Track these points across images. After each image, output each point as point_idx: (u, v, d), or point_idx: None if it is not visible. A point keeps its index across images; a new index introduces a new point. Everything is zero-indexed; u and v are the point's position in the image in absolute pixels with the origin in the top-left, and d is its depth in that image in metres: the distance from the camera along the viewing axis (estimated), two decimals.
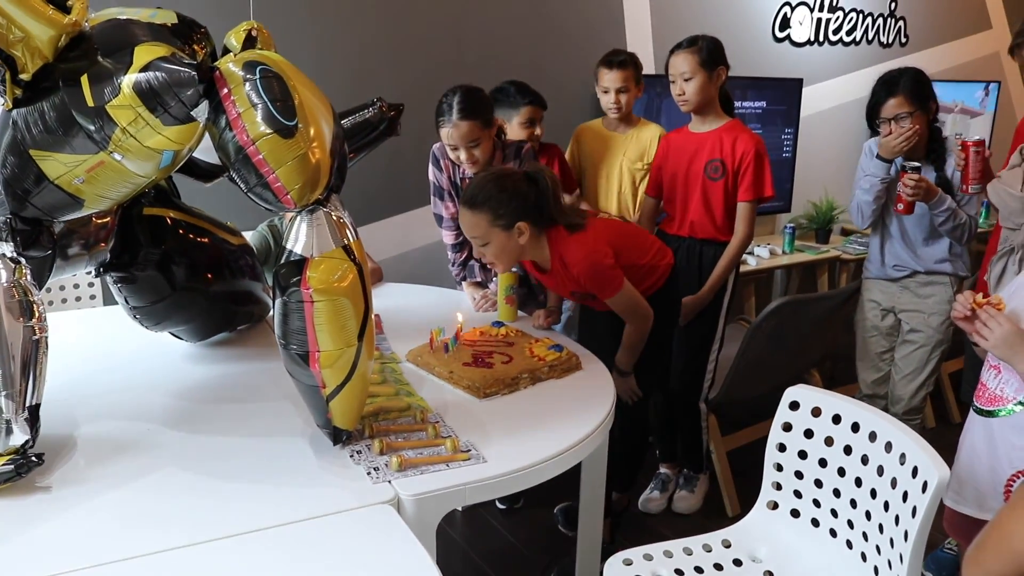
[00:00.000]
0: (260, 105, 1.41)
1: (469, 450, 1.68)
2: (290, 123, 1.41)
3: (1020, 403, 1.82)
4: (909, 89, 2.66)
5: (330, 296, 1.48)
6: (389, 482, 1.55)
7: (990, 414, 1.89)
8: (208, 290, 2.12)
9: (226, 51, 1.75)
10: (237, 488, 1.53)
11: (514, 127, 2.90)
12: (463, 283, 2.77)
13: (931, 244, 2.79)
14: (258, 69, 1.44)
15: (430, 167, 2.74)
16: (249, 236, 2.60)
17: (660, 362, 2.64)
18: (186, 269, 2.06)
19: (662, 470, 3.09)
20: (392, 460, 1.59)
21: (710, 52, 2.71)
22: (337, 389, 1.56)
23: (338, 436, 1.65)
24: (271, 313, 2.32)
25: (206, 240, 2.13)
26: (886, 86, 2.70)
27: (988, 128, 5.11)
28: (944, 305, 2.80)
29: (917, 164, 2.61)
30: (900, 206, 2.66)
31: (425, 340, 2.18)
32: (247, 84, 1.43)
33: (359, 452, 1.66)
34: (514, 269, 2.53)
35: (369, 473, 1.58)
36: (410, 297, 2.76)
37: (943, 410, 3.83)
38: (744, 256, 3.60)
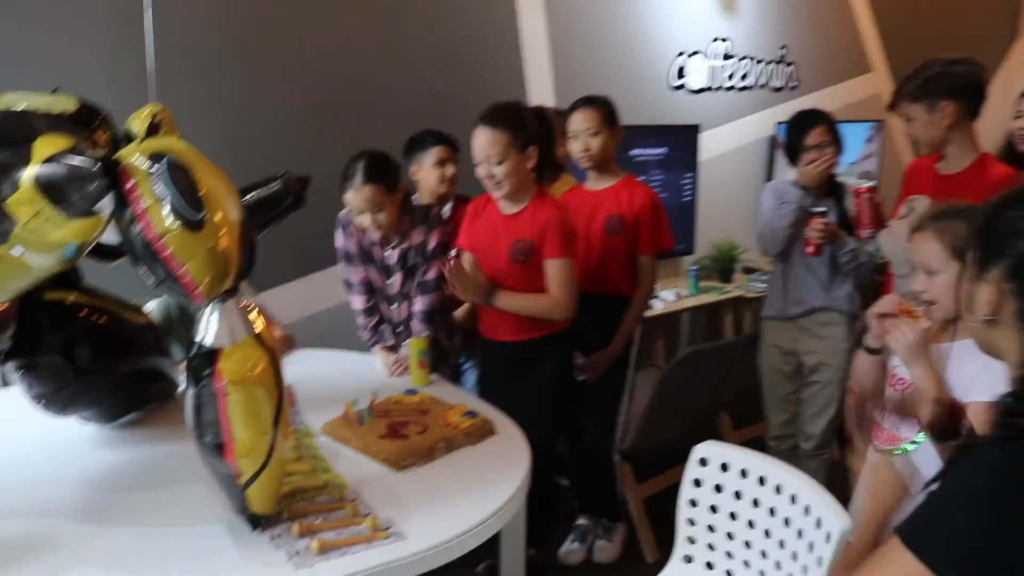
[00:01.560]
0: (166, 198, 1.41)
1: (389, 527, 1.68)
2: (197, 216, 1.41)
3: (914, 442, 1.92)
4: (828, 122, 2.88)
5: (244, 386, 1.47)
6: (311, 566, 1.54)
7: (889, 452, 1.98)
8: (114, 372, 2.08)
9: (127, 136, 1.74)
10: None
11: (426, 169, 2.95)
12: (374, 347, 2.77)
13: (834, 281, 2.92)
14: (164, 161, 1.44)
15: (337, 233, 2.74)
16: (151, 307, 2.56)
17: (560, 412, 2.68)
18: (90, 352, 2.02)
19: (580, 521, 3.12)
20: (312, 544, 1.58)
21: (610, 110, 2.81)
22: (253, 477, 1.55)
23: (256, 521, 1.64)
24: (180, 389, 2.30)
25: (109, 320, 2.09)
26: (807, 118, 2.90)
27: (876, 166, 5.38)
28: (842, 343, 2.93)
29: (824, 209, 2.76)
30: (809, 248, 2.83)
31: (339, 411, 2.18)
32: (153, 177, 1.43)
33: (279, 536, 1.64)
34: (425, 334, 2.56)
35: (291, 559, 1.56)
36: (322, 365, 2.74)
37: (845, 439, 3.98)
38: (650, 302, 3.69)
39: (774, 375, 3.10)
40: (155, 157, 1.46)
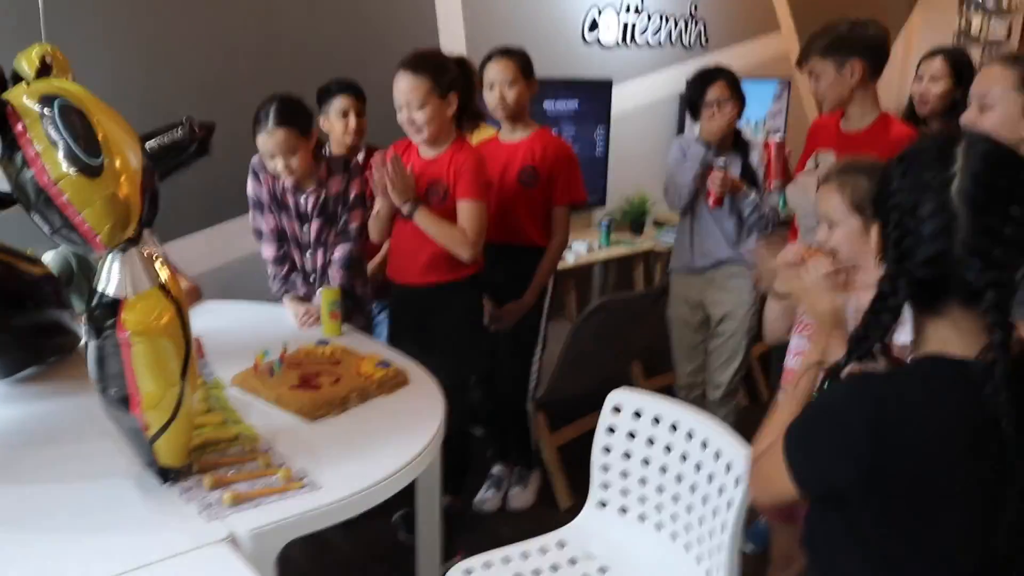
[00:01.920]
0: (61, 143, 1.34)
1: (303, 478, 1.66)
2: (95, 161, 1.35)
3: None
4: (728, 78, 2.90)
5: (148, 337, 1.43)
6: (223, 519, 1.52)
7: None
8: (11, 324, 1.99)
9: (16, 77, 1.65)
10: (61, 542, 1.45)
11: (332, 119, 2.96)
12: (285, 297, 2.71)
13: (739, 234, 2.98)
14: (56, 103, 1.37)
15: (249, 180, 2.67)
16: (49, 258, 2.46)
17: (470, 357, 2.70)
18: None
19: (495, 469, 3.16)
20: (224, 496, 1.56)
21: (526, 61, 2.80)
22: (161, 430, 1.52)
23: (165, 475, 1.60)
24: (83, 342, 2.22)
25: (3, 271, 2.00)
26: (707, 75, 2.93)
27: (783, 123, 5.50)
28: (747, 295, 3.01)
29: (723, 161, 2.81)
30: (710, 200, 2.86)
31: (249, 363, 2.13)
32: (45, 120, 1.36)
33: (189, 489, 1.61)
34: (336, 284, 2.53)
35: (201, 512, 1.53)
36: (231, 316, 2.69)
37: (753, 389, 4.11)
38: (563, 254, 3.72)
39: (682, 327, 3.16)
40: (46, 99, 1.38)
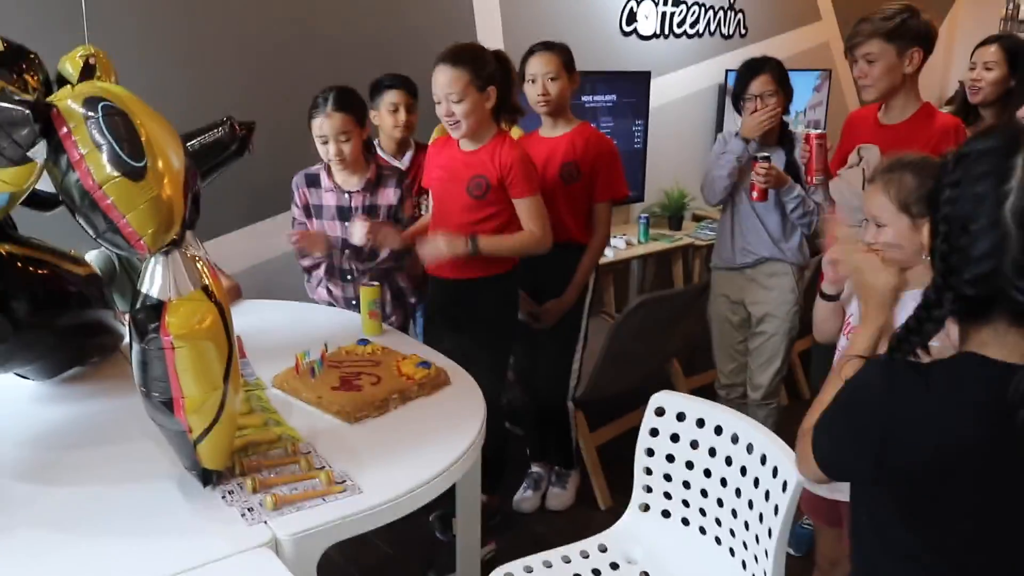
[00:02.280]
0: (105, 146, 1.33)
1: (344, 481, 1.66)
2: (138, 164, 1.34)
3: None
4: (775, 70, 2.84)
5: (192, 341, 1.42)
6: (265, 523, 1.51)
7: None
8: (55, 324, 2.00)
9: (60, 78, 1.65)
10: (102, 545, 1.45)
11: (382, 114, 3.01)
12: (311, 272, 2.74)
13: (783, 231, 2.92)
14: (100, 106, 1.36)
15: (292, 205, 2.78)
16: (92, 257, 2.47)
17: (506, 351, 2.71)
18: (28, 305, 1.92)
19: (534, 469, 3.14)
20: (266, 499, 1.55)
21: (569, 55, 2.77)
22: (204, 433, 1.51)
23: (208, 478, 1.60)
24: (125, 341, 2.23)
25: (48, 272, 2.00)
26: (753, 66, 2.86)
27: (823, 115, 5.41)
28: (789, 294, 2.95)
29: (767, 154, 2.75)
30: (754, 193, 2.81)
31: (289, 363, 2.13)
32: (89, 123, 1.35)
33: (231, 492, 1.61)
34: (375, 283, 2.52)
35: (244, 515, 1.53)
36: (271, 315, 2.69)
37: (794, 388, 4.05)
38: None
39: (723, 324, 3.11)
40: (91, 102, 1.38)
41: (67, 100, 1.38)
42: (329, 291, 2.80)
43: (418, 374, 2.08)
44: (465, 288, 2.58)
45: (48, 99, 1.41)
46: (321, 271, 2.78)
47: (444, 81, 2.41)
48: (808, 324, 3.25)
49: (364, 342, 2.29)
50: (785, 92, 2.85)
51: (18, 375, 2.05)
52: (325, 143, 2.57)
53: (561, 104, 2.79)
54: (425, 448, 1.82)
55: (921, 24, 2.48)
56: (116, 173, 1.33)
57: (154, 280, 1.44)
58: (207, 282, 1.47)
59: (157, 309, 1.43)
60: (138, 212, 1.34)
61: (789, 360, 3.11)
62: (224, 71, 3.14)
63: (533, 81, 2.77)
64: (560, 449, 3.09)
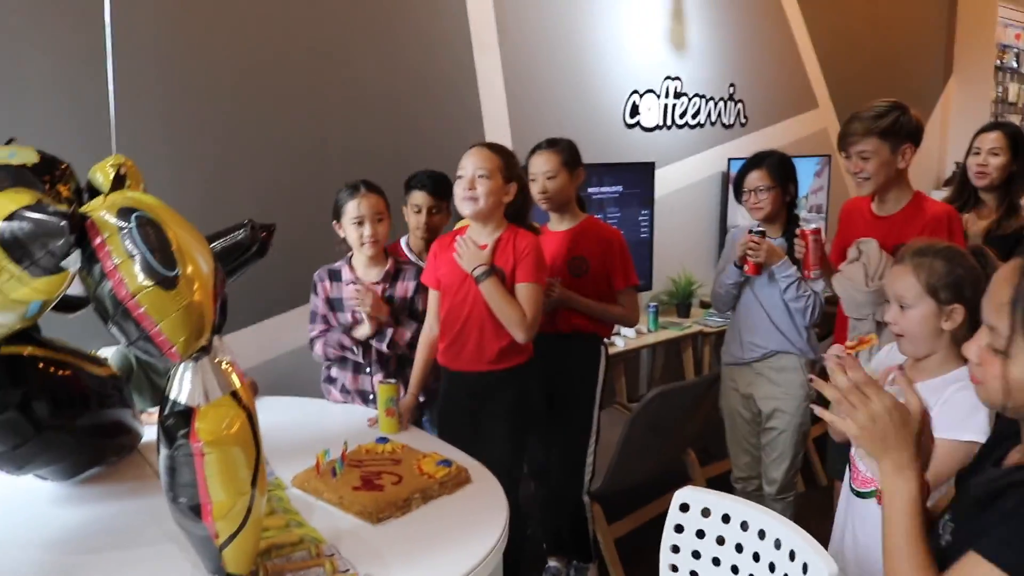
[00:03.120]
0: (138, 256, 1.36)
1: None
2: (171, 273, 1.37)
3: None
4: (773, 165, 2.89)
5: (221, 447, 1.42)
6: None
7: (868, 495, 1.99)
8: (75, 425, 2.00)
9: (91, 188, 1.69)
10: None
11: (409, 211, 3.05)
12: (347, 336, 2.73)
13: (789, 323, 2.93)
14: (133, 217, 1.40)
15: (312, 297, 2.80)
16: (109, 353, 2.49)
17: (522, 446, 2.67)
18: (49, 407, 1.93)
19: (551, 563, 3.09)
20: None
21: (571, 153, 2.83)
22: (231, 538, 1.50)
23: None
24: (143, 439, 2.23)
25: (69, 373, 2.01)
26: (753, 160, 2.92)
27: (825, 199, 5.49)
28: (798, 389, 2.94)
29: (762, 228, 2.80)
30: (746, 267, 2.85)
31: (308, 462, 2.12)
32: (123, 233, 1.38)
33: None
34: (393, 380, 2.52)
35: None
36: (286, 412, 2.68)
37: (810, 474, 4.01)
38: (612, 339, 3.71)
39: (735, 418, 3.10)
40: (124, 212, 1.41)
41: (101, 211, 1.41)
42: (343, 387, 2.80)
43: (439, 472, 2.07)
44: (481, 379, 2.58)
45: (81, 209, 1.44)
46: (335, 368, 2.79)
47: (476, 159, 2.48)
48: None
49: (383, 440, 2.28)
50: (783, 184, 2.89)
51: (37, 476, 2.04)
52: (360, 223, 2.63)
53: (563, 200, 2.85)
54: (450, 548, 1.80)
55: (912, 121, 2.57)
56: (149, 283, 1.35)
57: (183, 386, 1.45)
58: (236, 387, 1.48)
59: (186, 415, 1.43)
60: (170, 320, 1.36)
61: (802, 456, 3.08)
62: (243, 175, 3.20)
63: (534, 180, 2.83)
64: (577, 543, 3.05)
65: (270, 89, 3.27)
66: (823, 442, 3.94)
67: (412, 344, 2.71)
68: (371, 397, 2.76)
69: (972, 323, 1.92)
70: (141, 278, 1.35)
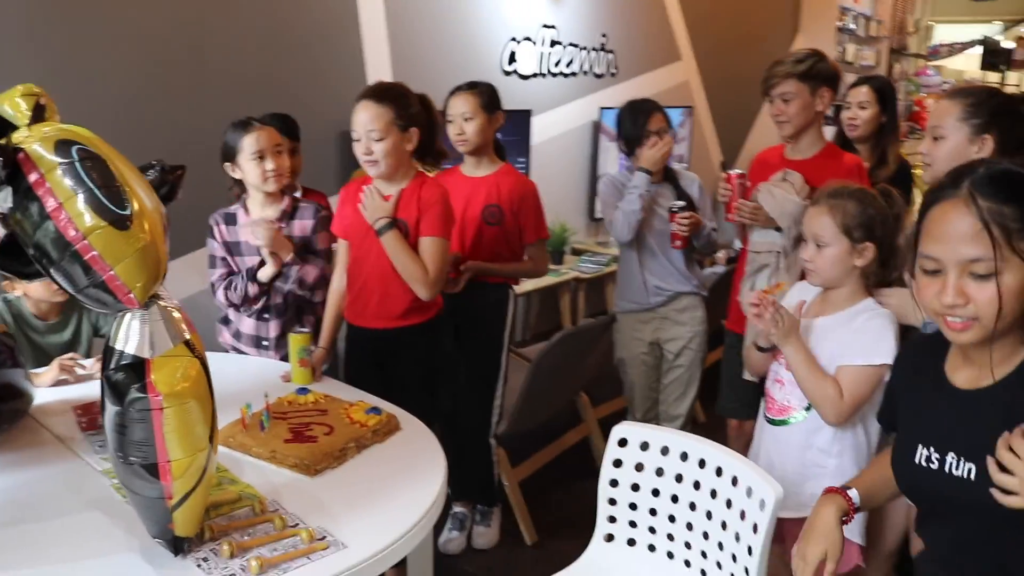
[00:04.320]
0: (84, 193, 1.24)
1: (324, 537, 1.58)
2: (124, 212, 1.25)
3: (806, 409, 2.04)
4: (663, 111, 2.98)
5: (180, 400, 1.33)
6: None
7: (782, 423, 2.09)
8: None
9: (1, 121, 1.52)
10: None
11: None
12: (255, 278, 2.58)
13: (689, 265, 3.04)
14: (74, 150, 1.27)
15: (208, 240, 2.65)
16: None
17: (432, 403, 2.61)
18: None
19: (457, 508, 3.09)
20: (251, 563, 1.46)
21: (490, 96, 2.79)
22: (184, 497, 1.41)
23: (180, 546, 1.49)
24: (33, 404, 2.06)
25: None
26: (645, 106, 2.98)
27: (687, 149, 5.66)
28: (700, 325, 3.06)
29: (683, 203, 2.86)
30: (677, 242, 2.92)
31: (230, 418, 2.02)
32: (62, 168, 1.25)
33: (206, 560, 1.50)
34: (306, 329, 2.43)
35: None
36: None
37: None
38: None
39: (639, 367, 3.14)
40: (62, 146, 1.28)
41: (34, 144, 1.27)
42: (237, 332, 2.68)
43: (371, 421, 2.02)
44: (388, 336, 2.51)
45: (10, 143, 1.30)
46: (231, 311, 2.66)
47: (366, 118, 2.34)
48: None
49: (304, 391, 2.20)
50: (672, 128, 2.99)
51: None
52: (261, 158, 2.48)
53: (480, 144, 2.80)
54: (396, 496, 1.77)
55: (828, 67, 2.68)
56: (101, 222, 1.23)
57: (129, 336, 1.34)
58: (188, 336, 1.38)
59: (137, 368, 1.32)
60: (127, 264, 1.25)
61: (702, 385, 3.19)
62: (119, 118, 2.97)
63: (451, 121, 2.77)
64: (483, 487, 3.06)
65: (146, 28, 3.05)
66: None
67: (315, 287, 2.61)
68: (264, 343, 2.67)
69: (881, 259, 2.04)
70: (90, 218, 1.23)
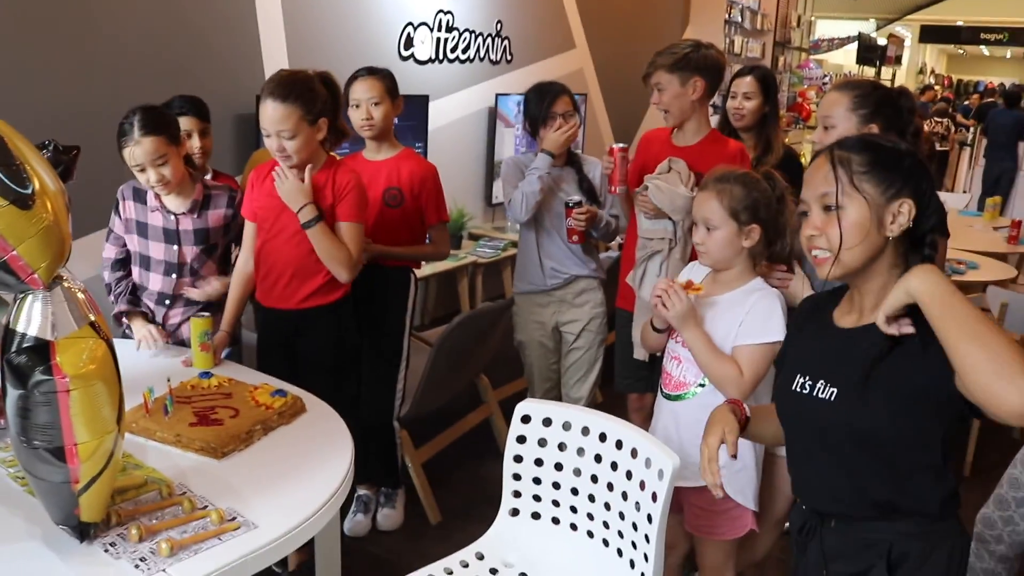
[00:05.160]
0: None
1: (235, 517, 1.59)
2: (26, 191, 1.23)
3: (700, 385, 2.14)
4: (569, 93, 3.00)
5: (87, 381, 1.31)
6: (164, 571, 1.42)
7: (678, 398, 2.19)
8: None
9: None
10: None
11: None
12: (130, 317, 2.54)
13: (587, 249, 3.09)
14: None
15: (112, 215, 2.60)
16: None
17: (337, 384, 2.62)
18: None
19: (361, 492, 3.10)
20: (160, 546, 1.46)
21: (392, 81, 2.79)
22: (91, 481, 1.39)
23: (86, 531, 1.47)
24: None
25: None
26: (552, 89, 2.98)
27: (582, 135, 5.77)
28: (599, 308, 3.12)
29: (579, 199, 2.91)
30: (574, 237, 2.96)
31: (133, 403, 1.98)
32: None
33: (113, 545, 1.49)
34: (207, 313, 2.41)
35: (137, 566, 1.43)
36: None
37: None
38: None
39: (537, 350, 3.18)
40: None
41: None
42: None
43: (276, 403, 2.03)
44: (299, 316, 2.52)
45: None
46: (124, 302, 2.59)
47: (275, 117, 2.32)
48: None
49: (207, 375, 2.18)
50: (578, 112, 3.04)
51: None
52: (143, 171, 2.39)
53: (385, 128, 2.80)
54: (304, 476, 1.78)
55: (702, 56, 2.76)
56: (3, 201, 1.21)
57: (32, 317, 1.32)
58: (92, 317, 1.37)
59: (41, 350, 1.30)
60: (30, 243, 1.23)
61: (603, 367, 3.23)
62: (7, 99, 2.86)
63: (357, 106, 2.76)
64: (387, 469, 3.08)
65: (30, 5, 2.93)
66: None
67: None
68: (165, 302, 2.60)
69: (767, 240, 2.16)
70: None
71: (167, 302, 2.57)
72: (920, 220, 1.42)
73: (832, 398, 1.46)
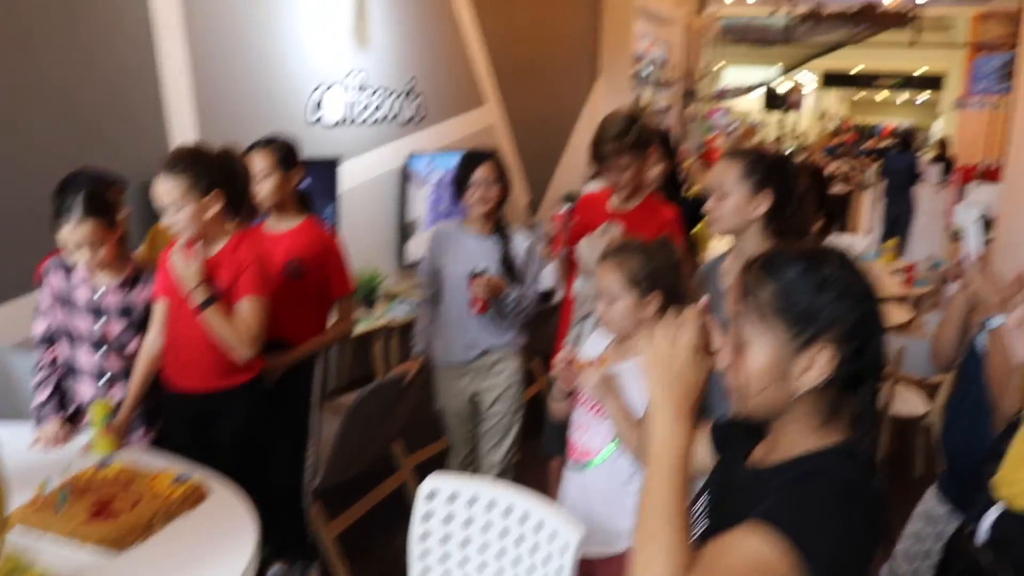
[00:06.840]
0: None
1: None
2: None
3: (603, 455, 2.18)
4: (496, 162, 3.03)
5: None
6: None
7: (585, 466, 2.22)
8: None
9: None
10: None
11: None
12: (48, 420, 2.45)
13: (498, 322, 3.09)
14: None
15: (40, 290, 2.54)
16: None
17: (249, 465, 2.58)
18: None
19: (274, 570, 3.04)
20: None
21: (286, 151, 2.80)
22: None
23: None
24: None
25: None
26: (477, 155, 3.05)
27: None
28: (515, 375, 3.16)
29: (484, 267, 2.95)
30: (477, 305, 2.97)
31: (25, 496, 1.92)
32: None
33: None
34: (109, 397, 2.36)
35: None
36: None
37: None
38: None
39: (457, 419, 3.21)
40: None
41: None
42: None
43: (176, 490, 2.00)
44: (208, 399, 2.48)
45: None
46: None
47: (162, 191, 2.34)
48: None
49: (105, 463, 2.13)
50: (504, 183, 3.04)
51: None
52: (78, 248, 2.34)
53: (280, 200, 2.82)
54: (209, 564, 1.78)
55: (648, 127, 2.95)
56: None
57: None
58: None
59: None
60: None
61: (518, 434, 3.24)
62: None
63: (253, 179, 2.77)
64: (300, 542, 3.03)
65: None
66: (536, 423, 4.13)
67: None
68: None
69: (668, 306, 2.22)
70: None
71: (108, 375, 2.51)
72: (848, 364, 1.18)
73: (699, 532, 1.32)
